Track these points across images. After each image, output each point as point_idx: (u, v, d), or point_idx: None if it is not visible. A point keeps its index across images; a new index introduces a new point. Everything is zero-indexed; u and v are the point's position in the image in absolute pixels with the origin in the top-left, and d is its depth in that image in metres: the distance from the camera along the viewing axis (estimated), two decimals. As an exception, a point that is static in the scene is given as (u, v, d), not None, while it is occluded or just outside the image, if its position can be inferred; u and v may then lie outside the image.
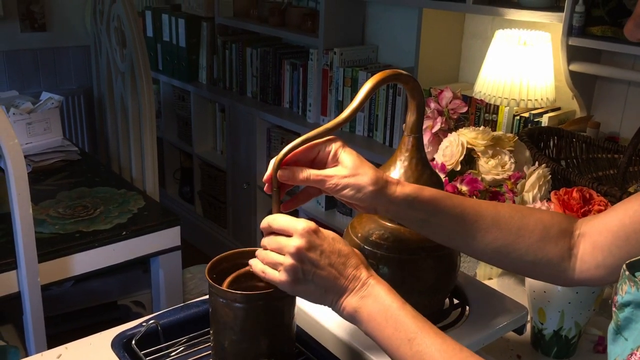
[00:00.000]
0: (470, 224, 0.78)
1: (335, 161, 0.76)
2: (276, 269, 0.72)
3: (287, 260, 0.70)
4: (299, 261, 0.70)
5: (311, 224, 0.72)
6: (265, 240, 0.74)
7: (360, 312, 0.70)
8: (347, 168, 0.74)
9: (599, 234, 0.79)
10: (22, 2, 3.34)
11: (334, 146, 0.76)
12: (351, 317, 0.71)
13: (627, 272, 0.62)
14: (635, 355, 0.58)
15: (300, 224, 0.71)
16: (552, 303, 1.01)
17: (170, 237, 2.14)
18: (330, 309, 0.74)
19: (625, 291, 0.61)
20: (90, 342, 1.02)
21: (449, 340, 0.69)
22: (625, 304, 0.61)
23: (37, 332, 1.86)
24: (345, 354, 0.88)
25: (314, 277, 0.70)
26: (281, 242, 0.71)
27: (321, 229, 0.73)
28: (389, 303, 0.70)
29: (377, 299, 0.70)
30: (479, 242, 0.79)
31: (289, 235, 0.72)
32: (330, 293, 0.71)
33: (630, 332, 0.60)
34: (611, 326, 0.63)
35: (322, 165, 0.77)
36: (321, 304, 0.73)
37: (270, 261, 0.72)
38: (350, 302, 0.71)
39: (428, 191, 0.77)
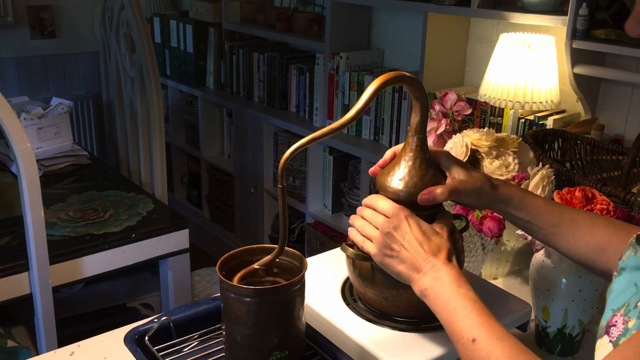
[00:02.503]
0: (565, 230, 0.88)
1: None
2: (369, 240, 0.85)
3: (378, 237, 0.84)
4: (388, 238, 0.83)
5: (404, 210, 0.84)
6: (368, 212, 0.87)
7: (428, 293, 0.80)
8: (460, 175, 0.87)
9: None
10: (32, 9, 3.38)
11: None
12: (421, 294, 0.81)
13: (634, 240, 0.67)
14: (617, 316, 0.63)
15: (395, 210, 0.84)
16: (556, 301, 1.02)
17: (179, 239, 2.16)
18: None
19: (627, 257, 0.67)
20: (102, 340, 1.05)
21: (507, 338, 0.72)
22: (622, 268, 0.67)
23: (48, 334, 1.88)
24: (353, 350, 0.90)
25: (398, 254, 0.82)
26: (378, 220, 0.85)
27: (412, 217, 0.84)
28: (455, 290, 0.78)
29: (444, 285, 0.79)
30: (572, 246, 0.88)
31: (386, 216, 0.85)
32: (408, 270, 0.82)
33: (611, 295, 0.66)
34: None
35: None
36: (399, 278, 0.84)
37: (366, 233, 0.86)
38: (422, 280, 0.80)
39: (531, 196, 0.89)
